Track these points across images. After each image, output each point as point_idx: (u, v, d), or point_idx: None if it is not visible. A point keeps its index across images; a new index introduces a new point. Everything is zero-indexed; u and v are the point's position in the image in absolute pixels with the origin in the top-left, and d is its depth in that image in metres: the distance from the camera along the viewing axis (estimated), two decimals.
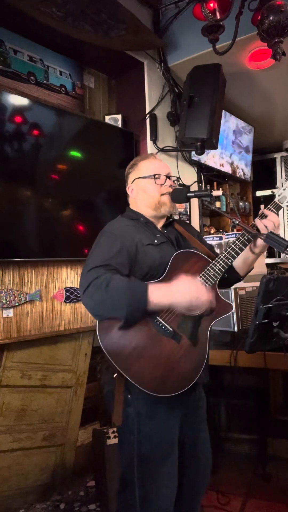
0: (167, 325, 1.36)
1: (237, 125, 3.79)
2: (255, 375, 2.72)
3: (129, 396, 1.38)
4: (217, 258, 1.46)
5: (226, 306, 1.47)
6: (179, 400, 1.38)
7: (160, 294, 1.29)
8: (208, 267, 1.44)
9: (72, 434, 2.59)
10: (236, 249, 1.47)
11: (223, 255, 1.46)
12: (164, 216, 1.61)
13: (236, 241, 1.48)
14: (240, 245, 1.47)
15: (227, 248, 1.48)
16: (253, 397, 2.74)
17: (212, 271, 1.44)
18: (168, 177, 1.58)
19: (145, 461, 1.39)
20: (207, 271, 1.44)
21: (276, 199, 1.56)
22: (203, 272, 1.44)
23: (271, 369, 2.38)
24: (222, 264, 1.45)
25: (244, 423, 2.81)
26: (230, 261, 1.46)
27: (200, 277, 1.43)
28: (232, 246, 1.47)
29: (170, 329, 1.36)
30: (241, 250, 1.48)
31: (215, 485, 2.37)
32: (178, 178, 1.66)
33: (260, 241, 1.49)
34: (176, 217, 3.14)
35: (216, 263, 1.45)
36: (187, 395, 1.40)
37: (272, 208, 1.54)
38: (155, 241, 1.49)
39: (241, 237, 1.48)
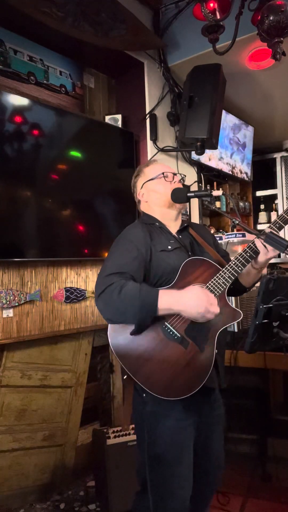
0: (175, 331, 1.39)
1: (234, 123, 3.77)
2: (255, 375, 2.72)
3: (144, 395, 1.41)
4: (226, 266, 1.46)
5: (235, 313, 1.48)
6: (193, 402, 1.41)
7: (170, 301, 1.33)
8: (217, 275, 1.45)
9: (72, 434, 2.59)
10: (247, 256, 1.47)
11: (233, 263, 1.46)
12: (178, 216, 1.63)
13: (247, 249, 1.48)
14: (251, 252, 1.47)
15: (236, 256, 1.48)
16: (253, 397, 2.74)
17: (221, 278, 1.44)
18: (175, 174, 1.63)
19: (158, 461, 1.42)
20: (216, 279, 1.44)
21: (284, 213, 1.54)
22: (212, 280, 1.44)
23: (271, 369, 2.38)
24: (232, 271, 1.45)
25: (244, 423, 2.81)
26: (240, 269, 1.46)
27: (209, 284, 1.44)
28: (243, 254, 1.47)
29: (178, 335, 1.39)
30: (252, 257, 1.48)
31: (219, 486, 2.36)
32: (184, 176, 1.67)
33: (260, 258, 1.49)
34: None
35: (225, 271, 1.45)
36: (201, 398, 1.43)
37: (274, 227, 1.53)
38: (169, 247, 1.51)
39: (252, 245, 1.48)
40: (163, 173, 1.60)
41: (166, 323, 1.38)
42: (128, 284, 1.32)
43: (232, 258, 1.51)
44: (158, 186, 1.60)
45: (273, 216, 4.52)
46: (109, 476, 2.17)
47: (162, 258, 1.47)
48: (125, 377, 1.38)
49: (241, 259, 1.47)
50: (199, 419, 1.51)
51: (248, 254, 1.47)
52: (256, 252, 1.47)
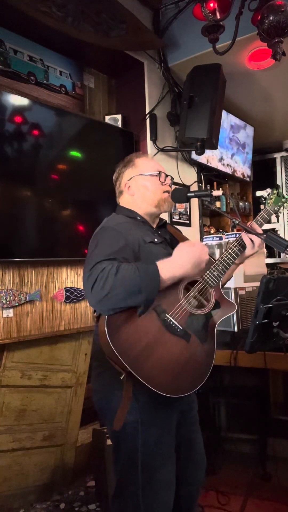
0: (177, 323, 1.33)
1: (234, 123, 3.77)
2: (255, 375, 2.72)
3: (140, 401, 1.34)
4: (219, 259, 1.47)
5: (230, 305, 1.48)
6: (177, 403, 1.39)
7: (169, 268, 1.29)
8: (211, 268, 1.45)
9: (72, 434, 2.59)
10: (236, 250, 1.49)
11: (225, 255, 1.47)
12: (159, 216, 1.62)
13: (235, 243, 1.49)
14: (239, 246, 1.49)
15: (227, 249, 1.49)
16: (253, 397, 2.74)
17: (215, 271, 1.45)
18: (167, 175, 1.60)
19: (145, 468, 1.38)
20: (211, 271, 1.44)
21: (267, 207, 1.59)
22: (207, 272, 1.44)
23: (271, 369, 2.38)
24: (225, 264, 1.46)
25: (244, 423, 2.81)
26: (231, 261, 1.47)
27: (206, 276, 1.44)
28: (232, 247, 1.49)
29: (180, 327, 1.33)
30: (241, 251, 1.49)
31: (215, 485, 2.37)
32: (173, 178, 1.66)
33: (246, 251, 1.50)
34: (176, 217, 3.15)
35: (219, 263, 1.46)
36: (183, 397, 1.37)
37: (264, 214, 1.58)
38: (156, 240, 1.49)
39: (239, 239, 1.50)
40: (159, 173, 1.56)
41: (167, 315, 1.32)
42: (122, 265, 1.23)
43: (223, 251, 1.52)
44: (150, 183, 1.55)
45: (273, 216, 4.52)
46: (109, 476, 2.17)
47: (151, 249, 1.44)
48: (122, 377, 1.27)
49: (231, 252, 1.48)
50: (179, 421, 1.49)
51: (237, 248, 1.49)
52: (244, 246, 1.49)
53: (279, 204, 1.63)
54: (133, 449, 1.37)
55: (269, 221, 1.60)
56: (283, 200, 1.63)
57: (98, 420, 2.79)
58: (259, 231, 1.51)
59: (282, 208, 1.63)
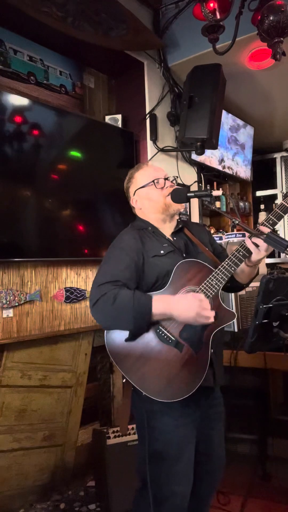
0: (169, 335, 1.40)
1: (233, 123, 3.77)
2: (255, 375, 2.72)
3: (143, 393, 1.40)
4: (219, 267, 1.46)
5: (229, 314, 1.48)
6: (192, 401, 1.41)
7: (164, 307, 1.35)
8: (210, 276, 1.45)
9: (72, 434, 2.59)
10: (240, 256, 1.47)
11: (226, 263, 1.46)
12: (173, 218, 1.63)
13: (240, 248, 1.47)
14: (244, 252, 1.47)
15: (230, 256, 1.48)
16: (253, 397, 2.74)
17: (214, 280, 1.45)
18: (166, 178, 1.61)
19: (157, 458, 1.43)
20: (210, 280, 1.45)
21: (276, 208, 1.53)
22: (205, 281, 1.44)
23: (271, 369, 2.38)
24: (225, 272, 1.45)
25: (244, 423, 2.81)
26: (232, 269, 1.46)
27: (203, 286, 1.44)
28: (235, 253, 1.48)
29: (173, 338, 1.40)
30: (245, 257, 1.47)
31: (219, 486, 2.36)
32: (176, 177, 1.65)
33: (253, 256, 1.48)
34: (176, 217, 3.15)
35: (218, 272, 1.46)
36: (200, 396, 1.45)
37: (267, 224, 1.52)
38: (161, 252, 1.51)
39: (244, 244, 1.48)
40: (153, 180, 1.59)
41: (160, 327, 1.40)
42: (121, 293, 1.34)
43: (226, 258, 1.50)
44: (151, 194, 1.60)
45: None
46: (109, 476, 2.17)
47: (155, 263, 1.47)
48: (124, 380, 1.41)
49: (234, 259, 1.47)
50: (199, 418, 1.51)
51: (241, 253, 1.47)
52: (249, 251, 1.47)
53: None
54: (150, 439, 1.44)
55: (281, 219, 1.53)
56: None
57: (99, 419, 2.79)
58: (265, 231, 1.47)
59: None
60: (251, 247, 1.45)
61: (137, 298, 1.34)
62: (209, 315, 1.33)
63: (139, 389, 1.37)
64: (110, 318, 1.37)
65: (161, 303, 1.35)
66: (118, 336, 1.40)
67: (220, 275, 1.45)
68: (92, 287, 1.43)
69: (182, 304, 1.34)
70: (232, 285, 1.61)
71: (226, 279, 1.45)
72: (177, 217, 1.67)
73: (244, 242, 1.47)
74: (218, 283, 1.44)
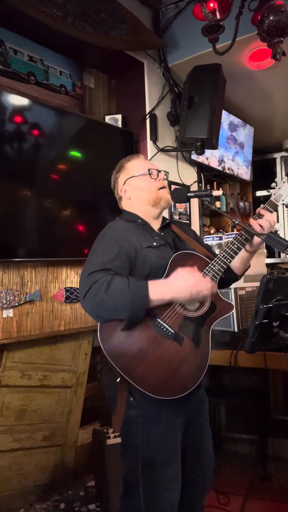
0: (168, 327, 1.35)
1: (231, 121, 3.76)
2: (255, 375, 2.72)
3: (131, 399, 1.35)
4: (215, 259, 1.46)
5: (227, 306, 1.46)
6: (183, 402, 1.38)
7: (160, 290, 1.30)
8: (207, 268, 1.44)
9: (72, 434, 2.59)
10: (234, 248, 1.47)
11: (222, 255, 1.46)
12: (160, 214, 1.61)
13: (234, 241, 1.48)
14: (238, 244, 1.48)
15: (225, 248, 1.48)
16: (253, 397, 2.74)
17: (211, 271, 1.44)
18: (159, 171, 1.59)
19: (149, 465, 1.38)
20: (207, 272, 1.44)
21: (272, 198, 1.56)
22: (202, 273, 1.43)
23: (271, 369, 2.38)
24: (221, 264, 1.45)
25: (244, 423, 2.81)
26: (228, 260, 1.46)
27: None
28: (230, 245, 1.48)
29: (172, 331, 1.35)
30: (239, 249, 1.48)
31: (215, 485, 2.36)
32: (167, 173, 1.65)
33: (254, 240, 1.49)
34: (176, 217, 3.15)
35: (215, 263, 1.45)
36: (190, 397, 1.40)
37: (268, 207, 1.54)
38: (154, 244, 1.48)
39: (238, 237, 1.48)
40: (148, 170, 1.56)
41: (158, 319, 1.34)
42: (115, 279, 1.28)
43: (221, 250, 1.51)
44: (143, 183, 1.56)
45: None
46: (109, 476, 2.17)
47: (148, 254, 1.44)
48: (118, 379, 1.32)
49: (229, 251, 1.47)
50: (187, 420, 1.48)
51: (235, 246, 1.47)
52: (243, 243, 1.48)
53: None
54: (135, 445, 1.37)
55: (276, 210, 1.56)
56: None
57: (99, 419, 2.79)
58: (256, 225, 1.48)
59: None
60: (257, 228, 1.46)
61: (132, 283, 1.28)
62: (208, 285, 1.33)
63: (138, 387, 1.28)
64: (104, 306, 1.26)
65: (157, 286, 1.31)
66: (112, 333, 1.31)
67: (217, 267, 1.44)
68: (81, 277, 1.35)
69: (179, 282, 1.31)
70: (227, 277, 1.59)
71: (223, 270, 1.45)
72: (162, 214, 1.64)
73: (243, 231, 1.48)
74: (216, 274, 1.44)
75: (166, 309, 1.36)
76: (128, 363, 1.29)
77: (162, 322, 1.35)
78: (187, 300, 1.35)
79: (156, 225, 1.59)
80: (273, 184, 1.58)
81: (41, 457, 2.44)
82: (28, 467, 2.38)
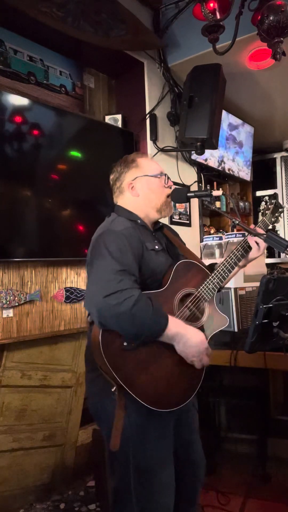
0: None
1: (231, 120, 3.76)
2: (255, 375, 2.72)
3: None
4: (215, 272, 1.48)
5: (221, 319, 1.49)
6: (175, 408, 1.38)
7: (176, 332, 1.29)
8: (207, 280, 1.46)
9: (72, 434, 2.59)
10: (232, 262, 1.50)
11: (221, 268, 1.48)
12: (157, 220, 1.60)
13: (231, 255, 1.51)
14: (236, 259, 1.51)
15: (223, 261, 1.50)
16: (253, 397, 2.74)
17: (211, 284, 1.45)
18: (168, 178, 1.59)
19: (142, 472, 1.37)
20: (207, 284, 1.45)
21: (264, 218, 1.61)
22: (203, 285, 1.45)
23: (271, 369, 2.38)
24: (220, 277, 1.47)
25: (244, 423, 2.81)
26: (227, 274, 1.48)
27: (201, 289, 1.44)
28: (228, 260, 1.50)
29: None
30: (236, 264, 1.51)
31: (215, 485, 2.36)
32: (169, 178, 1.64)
33: (251, 254, 1.53)
34: (176, 217, 3.15)
35: (214, 277, 1.47)
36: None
37: (261, 225, 1.59)
38: (156, 247, 1.47)
39: (236, 252, 1.51)
40: (165, 174, 1.54)
41: None
42: (141, 301, 1.22)
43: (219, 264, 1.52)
44: (155, 186, 1.52)
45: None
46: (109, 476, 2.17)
47: (152, 257, 1.43)
48: (113, 389, 1.29)
49: (227, 265, 1.49)
50: (178, 422, 1.48)
51: (233, 260, 1.50)
52: (240, 259, 1.51)
53: (276, 214, 1.63)
54: (126, 452, 1.36)
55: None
56: (280, 210, 1.63)
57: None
58: (252, 242, 1.51)
59: (279, 218, 1.63)
60: (253, 245, 1.48)
61: (155, 312, 1.24)
62: (206, 363, 1.35)
63: (137, 398, 1.26)
64: (119, 320, 1.21)
65: (175, 327, 1.28)
66: (115, 342, 1.27)
67: (216, 280, 1.46)
68: (102, 273, 1.25)
69: (192, 340, 1.30)
70: None
71: (221, 283, 1.47)
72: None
73: (243, 244, 1.51)
74: (214, 287, 1.46)
75: None
76: (129, 373, 1.27)
77: None
78: (185, 356, 1.33)
79: (151, 228, 1.57)
80: (262, 203, 1.63)
81: (41, 457, 2.44)
82: (28, 467, 2.37)
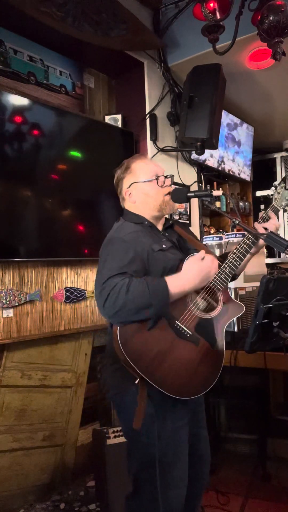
0: (186, 329, 1.39)
1: (229, 120, 3.75)
2: (255, 375, 2.72)
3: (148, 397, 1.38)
4: (226, 261, 1.49)
5: (238, 307, 1.51)
6: (188, 401, 1.42)
7: (178, 284, 1.34)
8: (219, 270, 1.47)
9: (72, 434, 2.59)
10: (243, 251, 1.51)
11: (232, 257, 1.49)
12: (163, 216, 1.63)
13: (242, 244, 1.51)
14: (246, 247, 1.51)
15: (234, 250, 1.51)
16: (253, 397, 2.74)
17: (223, 274, 1.47)
18: (166, 176, 1.60)
19: (155, 463, 1.40)
20: (219, 274, 1.47)
21: (273, 203, 1.58)
22: (215, 275, 1.46)
23: (271, 369, 2.38)
24: (232, 266, 1.48)
25: (244, 423, 2.81)
26: (238, 263, 1.49)
27: (214, 280, 1.46)
28: (239, 248, 1.51)
29: (189, 332, 1.39)
30: (247, 252, 1.51)
31: (215, 485, 2.37)
32: (172, 176, 1.65)
33: (261, 241, 1.53)
34: (176, 217, 3.15)
35: (226, 266, 1.48)
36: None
37: (270, 211, 1.57)
38: (164, 246, 1.50)
39: (246, 240, 1.51)
40: (157, 178, 1.56)
41: (177, 321, 1.38)
42: (133, 281, 1.29)
43: (230, 253, 1.54)
44: (150, 190, 1.55)
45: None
46: (109, 476, 2.17)
47: (160, 257, 1.46)
48: (137, 381, 1.34)
49: (238, 253, 1.50)
50: (191, 419, 1.52)
51: (244, 248, 1.51)
52: (251, 246, 1.51)
53: (287, 198, 1.59)
54: (149, 444, 1.40)
55: (277, 213, 1.59)
56: None
57: (99, 419, 2.79)
58: (261, 230, 1.50)
59: None
60: (261, 231, 1.50)
61: (151, 282, 1.30)
62: (214, 267, 1.41)
63: (159, 388, 1.31)
64: (127, 309, 1.27)
65: (174, 279, 1.34)
66: (133, 335, 1.32)
67: (228, 269, 1.48)
68: (96, 284, 1.35)
69: (192, 272, 1.37)
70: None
71: (233, 272, 1.49)
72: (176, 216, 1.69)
73: (246, 236, 1.51)
74: (227, 276, 1.47)
75: (183, 311, 1.40)
76: (149, 365, 1.31)
77: (180, 324, 1.39)
78: (204, 284, 1.40)
79: (159, 226, 1.61)
80: (272, 188, 1.59)
81: (41, 457, 2.44)
82: (28, 467, 2.38)
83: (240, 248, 1.50)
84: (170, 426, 1.42)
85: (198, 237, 3.27)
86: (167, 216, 1.67)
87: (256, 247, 1.55)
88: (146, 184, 1.56)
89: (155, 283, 1.31)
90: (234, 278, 1.68)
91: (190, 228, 3.29)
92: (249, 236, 1.51)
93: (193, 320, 1.41)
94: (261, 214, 1.57)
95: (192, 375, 1.37)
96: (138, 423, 1.33)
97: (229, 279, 1.48)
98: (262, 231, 1.50)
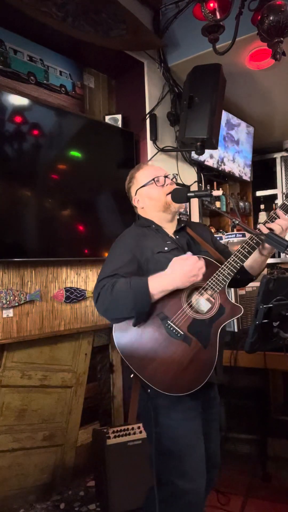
0: (178, 329, 1.41)
1: (228, 120, 3.75)
2: (255, 375, 2.72)
3: (149, 390, 1.43)
4: (225, 263, 1.49)
5: (235, 309, 1.50)
6: (195, 396, 1.43)
7: (160, 283, 1.38)
8: (217, 272, 1.47)
9: (72, 434, 2.59)
10: (245, 252, 1.49)
11: (232, 259, 1.49)
12: (174, 218, 1.66)
13: (245, 245, 1.50)
14: (249, 248, 1.49)
15: (235, 252, 1.50)
16: (253, 397, 2.74)
17: (221, 275, 1.47)
18: (166, 176, 1.63)
19: (167, 455, 1.44)
20: (217, 275, 1.47)
21: (285, 201, 1.56)
22: (212, 277, 1.46)
23: (271, 369, 2.38)
24: (231, 268, 1.48)
25: (244, 423, 2.81)
26: (238, 264, 1.48)
27: (210, 281, 1.46)
28: (241, 250, 1.50)
29: (181, 332, 1.42)
30: (250, 253, 1.50)
31: (215, 485, 2.36)
32: (176, 174, 1.67)
33: (267, 244, 1.50)
34: (176, 217, 3.15)
35: (225, 267, 1.48)
36: (203, 393, 1.47)
37: (279, 210, 1.55)
38: (165, 248, 1.52)
39: (249, 241, 1.50)
40: (153, 179, 1.61)
41: (168, 321, 1.41)
42: (119, 281, 1.38)
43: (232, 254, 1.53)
44: (151, 192, 1.62)
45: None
46: (109, 476, 2.17)
47: (160, 259, 1.48)
48: (132, 375, 1.42)
49: (239, 255, 1.49)
50: (202, 416, 1.53)
51: (246, 250, 1.49)
52: (254, 247, 1.50)
53: None
54: (154, 435, 1.44)
55: None
56: None
57: (99, 419, 2.79)
58: (265, 230, 1.48)
59: None
60: (266, 231, 1.47)
61: (134, 282, 1.37)
62: (202, 265, 1.39)
63: (149, 384, 1.38)
64: (112, 308, 1.38)
65: (157, 279, 1.38)
66: (125, 333, 1.41)
67: (227, 270, 1.47)
68: (98, 280, 1.46)
69: (176, 272, 1.37)
70: (243, 278, 1.64)
71: (233, 274, 1.47)
72: (177, 217, 1.70)
73: (249, 238, 1.50)
74: (225, 278, 1.47)
75: (176, 311, 1.42)
76: (140, 362, 1.40)
77: (172, 324, 1.41)
78: (188, 283, 1.40)
79: (170, 228, 1.64)
80: (279, 187, 1.58)
81: (41, 457, 2.44)
82: (28, 467, 2.38)
83: (242, 250, 1.49)
84: (178, 417, 1.44)
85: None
86: (183, 218, 1.69)
87: (265, 249, 1.54)
88: (148, 187, 1.63)
89: (137, 282, 1.37)
90: (251, 279, 1.68)
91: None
92: (253, 237, 1.50)
93: (186, 320, 1.42)
94: (272, 212, 1.56)
95: (180, 374, 1.40)
96: (133, 418, 1.42)
97: (228, 281, 1.47)
98: (266, 231, 1.48)
